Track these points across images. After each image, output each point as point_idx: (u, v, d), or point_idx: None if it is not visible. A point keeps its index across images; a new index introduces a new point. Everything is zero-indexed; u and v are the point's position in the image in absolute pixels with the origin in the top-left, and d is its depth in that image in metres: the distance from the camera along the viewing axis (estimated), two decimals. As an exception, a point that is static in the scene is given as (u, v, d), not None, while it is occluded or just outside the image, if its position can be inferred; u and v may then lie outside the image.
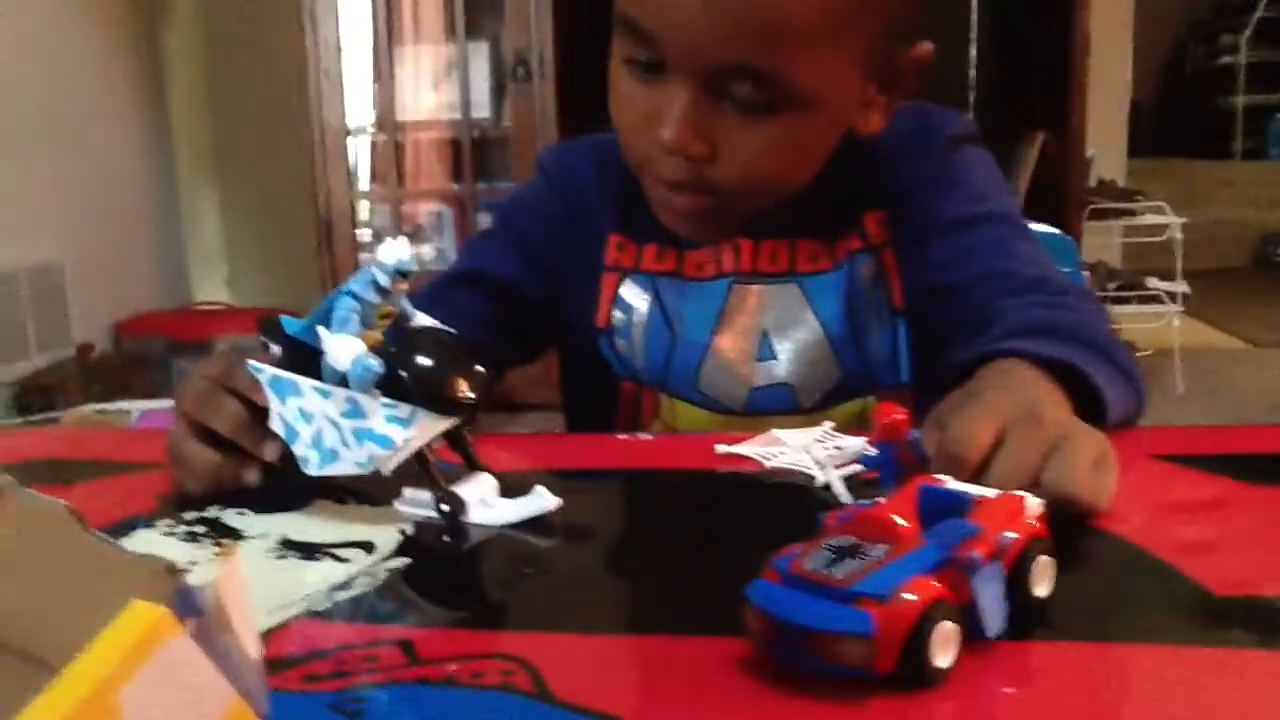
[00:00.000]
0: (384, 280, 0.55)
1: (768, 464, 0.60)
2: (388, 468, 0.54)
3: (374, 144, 3.31)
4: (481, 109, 3.20)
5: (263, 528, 0.55)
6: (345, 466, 0.55)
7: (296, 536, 0.53)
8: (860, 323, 0.82)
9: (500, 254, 0.90)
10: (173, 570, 0.26)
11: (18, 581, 0.29)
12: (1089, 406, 0.60)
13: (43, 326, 2.90)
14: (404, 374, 0.53)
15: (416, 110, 3.28)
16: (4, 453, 0.71)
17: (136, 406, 2.52)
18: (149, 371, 3.07)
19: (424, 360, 0.54)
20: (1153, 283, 3.36)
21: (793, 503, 0.57)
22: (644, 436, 0.76)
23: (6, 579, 0.29)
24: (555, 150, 0.95)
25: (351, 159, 3.21)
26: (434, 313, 0.80)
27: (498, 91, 3.19)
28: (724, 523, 0.57)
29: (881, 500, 0.43)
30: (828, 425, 0.65)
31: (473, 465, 0.57)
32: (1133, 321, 3.16)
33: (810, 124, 0.72)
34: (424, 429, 0.54)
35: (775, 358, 0.82)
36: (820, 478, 0.57)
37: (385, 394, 0.54)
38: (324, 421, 0.55)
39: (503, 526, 0.54)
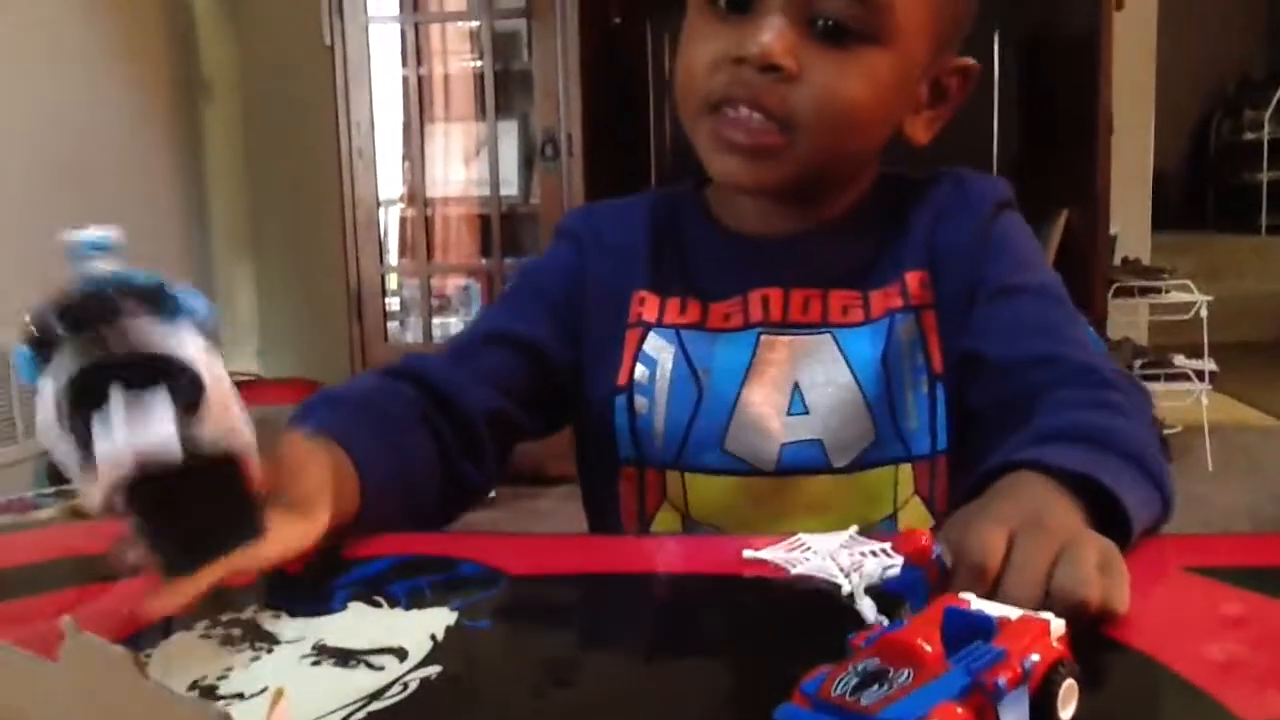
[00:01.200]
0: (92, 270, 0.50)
1: (793, 570, 0.61)
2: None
3: (404, 219, 3.36)
4: (510, 186, 3.25)
5: (298, 632, 0.56)
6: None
7: (331, 641, 0.54)
8: (896, 383, 0.81)
9: (524, 314, 0.89)
10: (223, 717, 0.27)
11: None
12: (1110, 516, 0.60)
13: (76, 397, 2.94)
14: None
15: (446, 186, 3.34)
16: (43, 549, 0.72)
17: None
18: (178, 442, 3.10)
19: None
20: (1179, 360, 3.35)
21: (819, 613, 0.57)
22: (665, 538, 0.77)
23: None
24: (576, 213, 0.96)
25: (382, 233, 3.26)
26: (459, 369, 0.83)
27: (526, 169, 3.25)
28: (751, 632, 0.57)
29: (907, 620, 0.44)
30: (853, 530, 0.65)
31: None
32: (1160, 399, 3.13)
33: (887, 65, 0.76)
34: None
35: (807, 411, 0.81)
36: (846, 587, 0.57)
37: None
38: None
39: None
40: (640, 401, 0.84)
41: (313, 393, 0.79)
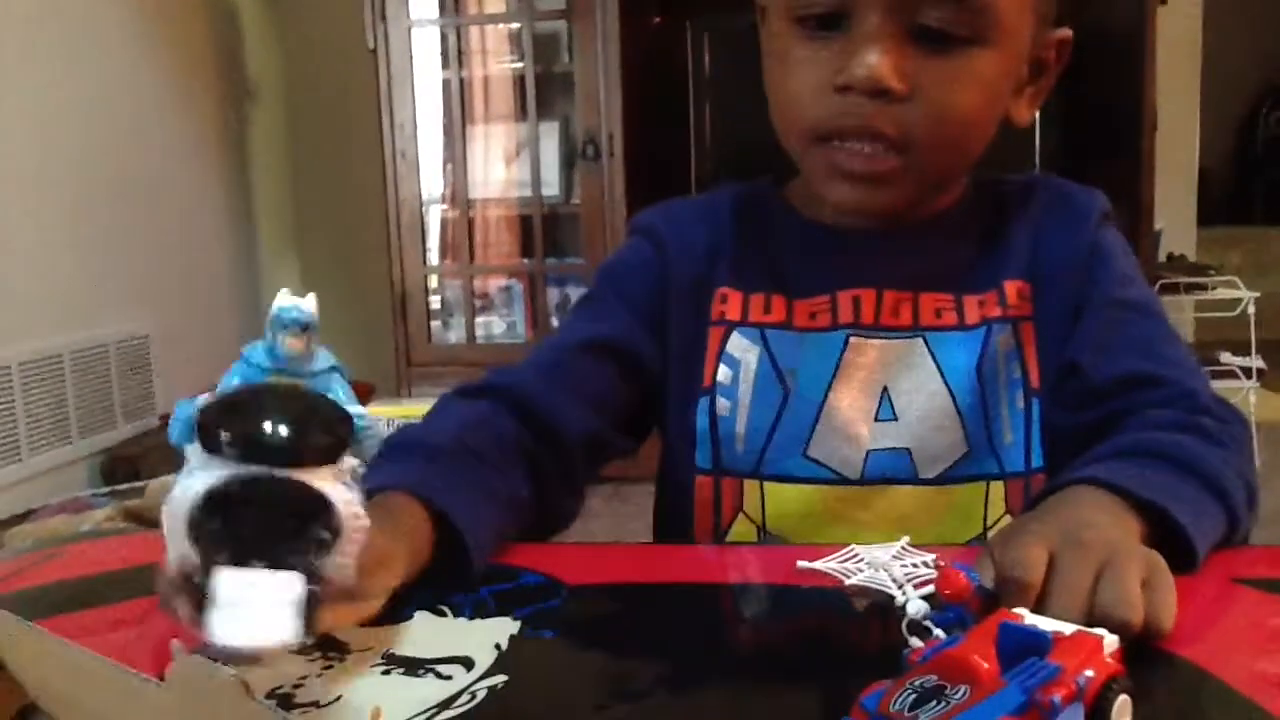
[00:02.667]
0: (280, 343, 0.50)
1: (848, 581, 0.62)
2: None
3: (446, 220, 3.40)
4: (551, 186, 3.27)
5: (368, 641, 0.58)
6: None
7: (400, 651, 0.56)
8: (991, 395, 0.79)
9: (613, 318, 0.85)
10: None
11: None
12: (1172, 538, 0.60)
13: (129, 397, 3.00)
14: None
15: (488, 187, 3.37)
16: (116, 559, 0.75)
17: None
18: (228, 441, 3.15)
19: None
20: (1226, 357, 3.31)
21: (875, 625, 0.59)
22: (719, 548, 0.78)
23: None
24: (654, 211, 0.91)
25: (426, 235, 3.30)
26: (555, 386, 0.79)
27: (567, 169, 3.27)
28: (809, 644, 0.59)
29: (963, 636, 0.45)
30: (905, 540, 0.66)
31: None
32: (1207, 397, 3.11)
33: (994, 63, 0.74)
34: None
35: (895, 418, 0.79)
36: (899, 598, 0.59)
37: None
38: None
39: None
40: (723, 404, 0.81)
41: (399, 432, 0.74)
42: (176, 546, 0.45)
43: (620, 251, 0.91)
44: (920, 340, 0.80)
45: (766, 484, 0.81)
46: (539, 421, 0.77)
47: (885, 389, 0.79)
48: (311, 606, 0.45)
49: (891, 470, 0.79)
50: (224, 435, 0.43)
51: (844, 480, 0.79)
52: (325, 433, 0.46)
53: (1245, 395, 3.21)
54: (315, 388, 0.49)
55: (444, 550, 0.64)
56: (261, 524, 0.44)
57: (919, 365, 0.79)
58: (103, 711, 0.36)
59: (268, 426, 0.44)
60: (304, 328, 0.51)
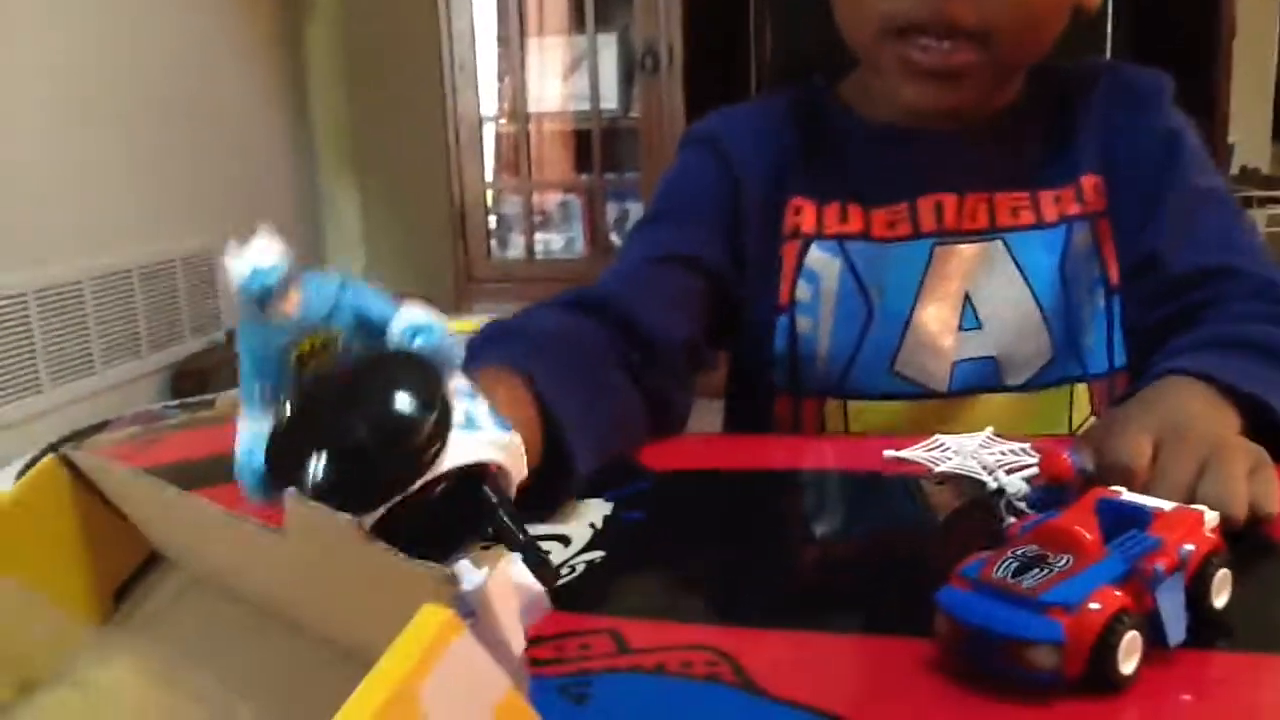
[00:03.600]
0: (272, 318, 0.41)
1: (936, 469, 0.62)
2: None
3: (502, 135, 3.38)
4: (609, 100, 3.24)
5: (464, 521, 0.59)
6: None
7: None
8: (1073, 296, 0.77)
9: (689, 236, 0.80)
10: (451, 579, 0.29)
11: (322, 588, 0.33)
12: (1267, 427, 0.59)
13: (195, 313, 3.05)
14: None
15: (544, 101, 3.34)
16: (204, 448, 0.77)
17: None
18: (292, 355, 3.21)
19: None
20: (1299, 273, 3.24)
21: (966, 506, 0.59)
22: (803, 439, 0.78)
23: (315, 585, 0.33)
24: (711, 120, 0.86)
25: (485, 150, 3.29)
26: (644, 295, 0.73)
27: (626, 82, 3.23)
28: (902, 524, 0.59)
29: (1062, 512, 0.45)
30: (989, 430, 0.66)
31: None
32: None
33: None
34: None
35: (980, 326, 0.77)
36: (991, 483, 0.59)
37: None
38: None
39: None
40: (803, 322, 0.79)
41: (488, 326, 0.68)
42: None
43: (682, 165, 0.86)
44: (1000, 242, 0.78)
45: (850, 402, 0.79)
46: (636, 331, 0.72)
47: (968, 295, 0.78)
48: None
49: (978, 379, 0.78)
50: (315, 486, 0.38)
51: (931, 394, 0.78)
52: (416, 427, 0.40)
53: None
54: (338, 325, 0.42)
55: (549, 461, 0.57)
56: (439, 531, 0.41)
57: (1000, 269, 0.78)
58: (222, 560, 0.37)
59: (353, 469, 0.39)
60: (283, 283, 0.42)
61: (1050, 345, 0.78)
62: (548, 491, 0.56)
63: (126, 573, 0.39)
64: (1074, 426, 0.79)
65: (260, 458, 0.40)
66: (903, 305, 0.78)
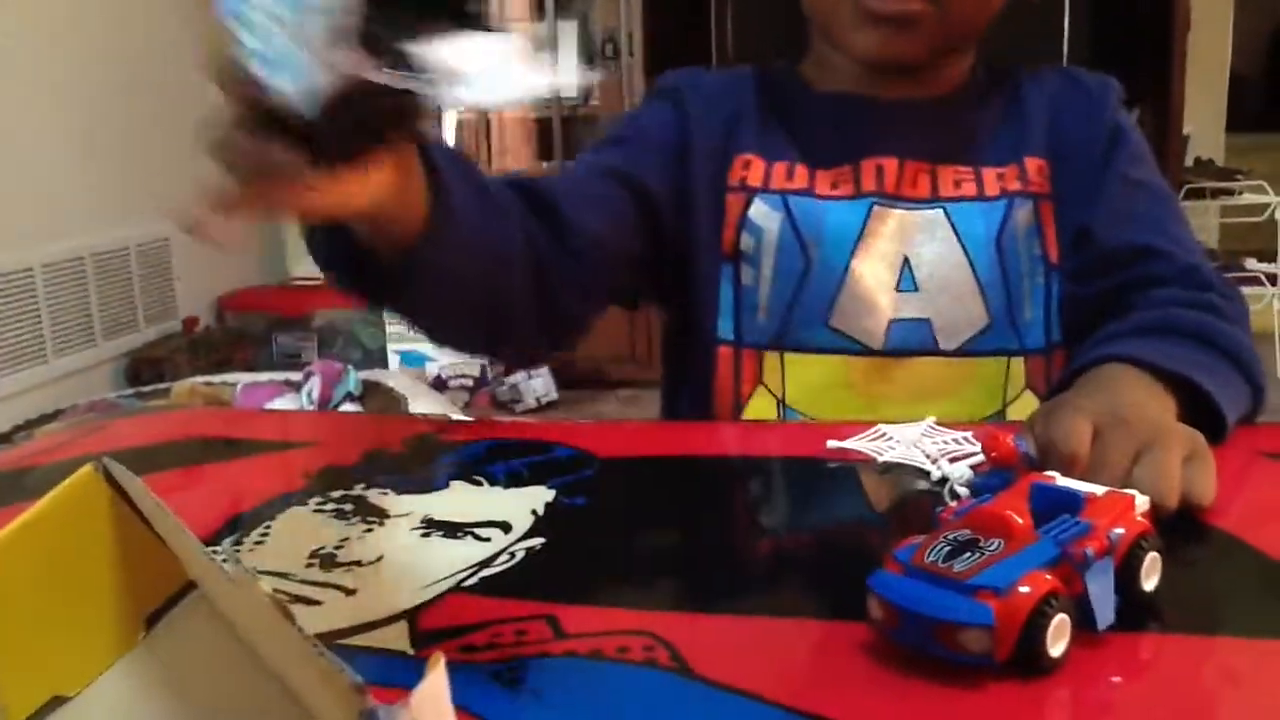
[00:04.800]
0: None
1: (880, 459, 0.63)
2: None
3: (464, 123, 3.37)
4: (570, 88, 3.23)
5: (406, 507, 0.59)
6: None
7: (439, 516, 0.58)
8: (1012, 270, 0.80)
9: (637, 161, 0.82)
10: (360, 690, 0.28)
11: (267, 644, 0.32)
12: (1203, 409, 0.61)
13: (151, 301, 3.02)
14: None
15: (506, 89, 3.33)
16: (155, 433, 0.76)
17: (241, 379, 2.62)
18: (250, 345, 3.18)
19: None
20: (1251, 264, 3.29)
21: (904, 494, 0.60)
22: (748, 424, 0.79)
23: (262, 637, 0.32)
24: (679, 72, 0.90)
25: (446, 139, 3.27)
26: (574, 193, 0.74)
27: (586, 70, 3.23)
28: (839, 511, 0.60)
29: (995, 497, 0.46)
30: (931, 420, 0.67)
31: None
32: (1229, 304, 3.10)
33: None
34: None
35: (916, 289, 0.79)
36: (935, 472, 0.59)
37: None
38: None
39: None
40: (746, 273, 0.81)
41: None
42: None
43: (641, 108, 0.90)
44: (940, 211, 0.80)
45: (787, 355, 0.81)
46: (556, 215, 0.73)
47: (906, 259, 0.80)
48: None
49: (913, 341, 0.79)
50: None
51: (866, 350, 0.80)
52: None
53: (1269, 302, 3.19)
54: None
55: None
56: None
57: (940, 236, 0.80)
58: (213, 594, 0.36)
59: None
60: None
61: (985, 313, 0.80)
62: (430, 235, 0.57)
63: (161, 598, 0.37)
64: (1008, 399, 0.81)
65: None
66: (839, 259, 0.80)
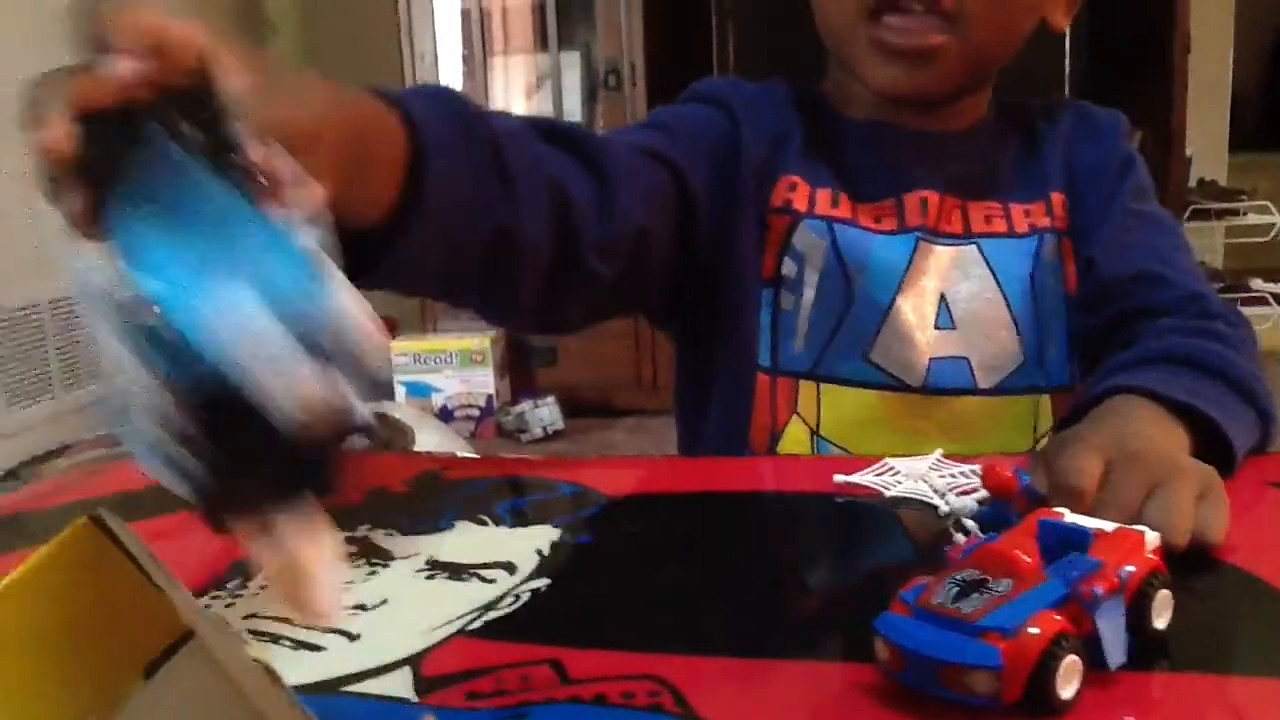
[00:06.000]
0: None
1: (887, 494, 0.62)
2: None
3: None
4: (573, 117, 3.25)
5: (410, 549, 0.59)
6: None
7: (443, 557, 0.57)
8: (1043, 306, 0.79)
9: (672, 142, 0.77)
10: None
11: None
12: (1213, 441, 0.60)
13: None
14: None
15: (509, 120, 3.35)
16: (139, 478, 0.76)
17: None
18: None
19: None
20: (1257, 284, 3.28)
21: (913, 531, 0.59)
22: (753, 460, 0.78)
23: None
24: (720, 82, 0.87)
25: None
26: (622, 170, 0.68)
27: (589, 100, 3.24)
28: (847, 549, 0.59)
29: (1002, 535, 0.45)
30: (939, 453, 0.66)
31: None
32: (1236, 324, 3.09)
33: None
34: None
35: (954, 326, 0.78)
36: (943, 506, 0.59)
37: None
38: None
39: None
40: (786, 299, 0.80)
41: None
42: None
43: (682, 107, 0.84)
44: (974, 247, 0.80)
45: (823, 386, 0.79)
46: (603, 180, 0.68)
47: (943, 296, 0.79)
48: None
49: (951, 379, 0.78)
50: None
51: (904, 387, 0.78)
52: None
53: (1276, 322, 3.18)
54: None
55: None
56: None
57: (974, 273, 0.79)
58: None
59: None
60: None
61: (1020, 350, 0.79)
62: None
63: (160, 647, 0.36)
64: (1038, 435, 0.80)
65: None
66: (884, 294, 0.78)
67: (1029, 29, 0.79)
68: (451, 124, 0.58)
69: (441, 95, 0.60)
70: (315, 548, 0.35)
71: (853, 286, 0.78)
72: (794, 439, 0.80)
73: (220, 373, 0.30)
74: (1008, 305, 0.79)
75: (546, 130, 0.68)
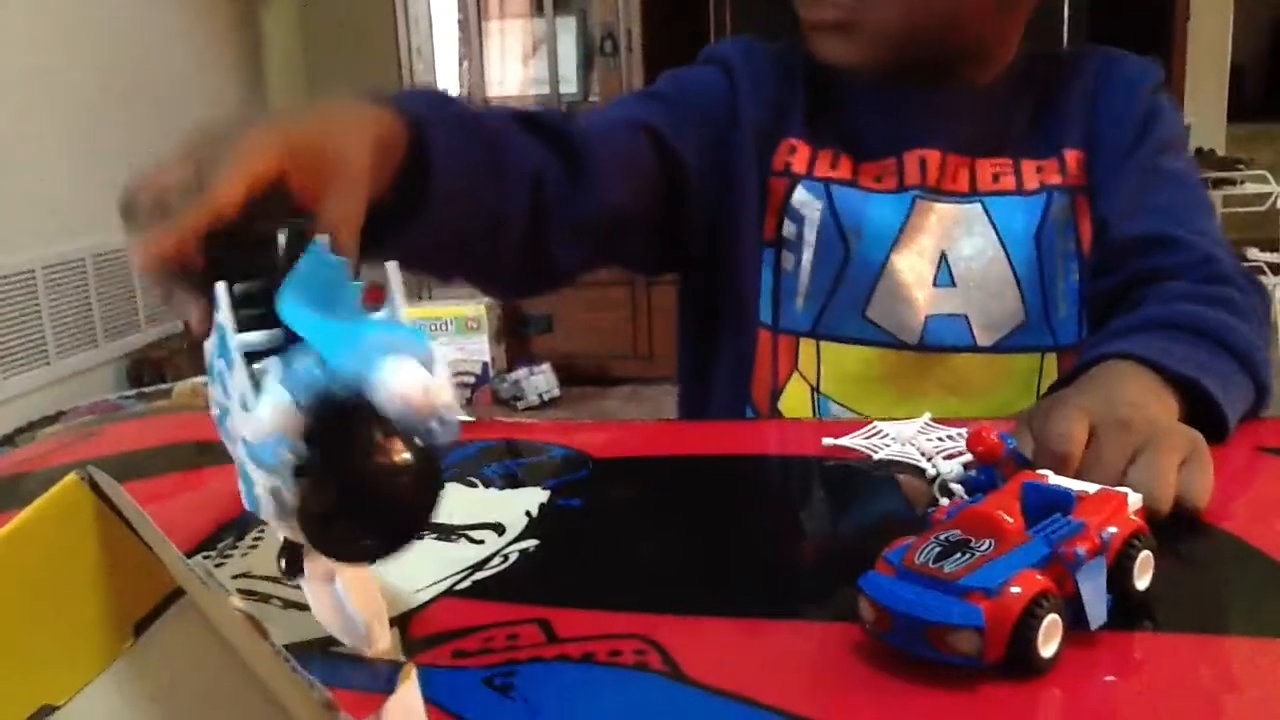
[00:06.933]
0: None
1: (875, 456, 0.63)
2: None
3: (464, 120, 3.36)
4: (569, 84, 3.23)
5: (400, 510, 0.59)
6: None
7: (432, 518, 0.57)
8: (1049, 264, 0.79)
9: (675, 122, 0.79)
10: (330, 706, 0.28)
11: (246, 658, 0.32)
12: (1204, 407, 0.60)
13: (152, 302, 3.02)
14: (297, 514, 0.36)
15: (505, 85, 3.33)
16: (149, 437, 0.76)
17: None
18: (250, 344, 3.18)
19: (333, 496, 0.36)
20: (1253, 254, 3.28)
21: (900, 493, 0.59)
22: (741, 424, 0.78)
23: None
24: (732, 43, 0.88)
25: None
26: (600, 141, 0.73)
27: (585, 66, 3.22)
28: (834, 510, 0.60)
29: (986, 497, 0.45)
30: (927, 416, 0.67)
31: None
32: (1232, 294, 3.09)
33: None
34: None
35: (954, 284, 0.79)
36: (930, 470, 0.59)
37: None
38: (222, 399, 0.42)
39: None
40: (787, 259, 0.81)
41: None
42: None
43: (693, 70, 0.86)
44: (979, 205, 0.80)
45: (823, 344, 0.81)
46: (576, 165, 0.72)
47: (944, 254, 0.79)
48: None
49: (950, 336, 0.79)
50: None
51: (902, 345, 0.79)
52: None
53: (1272, 291, 3.18)
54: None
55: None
56: None
57: (978, 231, 0.79)
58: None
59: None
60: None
61: (1022, 309, 0.79)
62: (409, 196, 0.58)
63: (149, 605, 0.37)
64: (1041, 395, 0.80)
65: (287, 453, 0.36)
66: (879, 252, 0.79)
67: (983, 8, 0.78)
68: (449, 125, 0.62)
69: (437, 98, 0.66)
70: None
71: (848, 245, 0.79)
72: (795, 396, 0.81)
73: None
74: (1010, 264, 0.79)
75: (530, 121, 0.73)
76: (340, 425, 0.36)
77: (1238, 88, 4.51)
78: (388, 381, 0.36)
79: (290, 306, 0.37)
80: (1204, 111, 3.82)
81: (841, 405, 0.81)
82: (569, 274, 0.76)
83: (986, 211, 0.80)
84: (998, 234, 0.79)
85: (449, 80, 3.28)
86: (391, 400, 0.36)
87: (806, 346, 0.81)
